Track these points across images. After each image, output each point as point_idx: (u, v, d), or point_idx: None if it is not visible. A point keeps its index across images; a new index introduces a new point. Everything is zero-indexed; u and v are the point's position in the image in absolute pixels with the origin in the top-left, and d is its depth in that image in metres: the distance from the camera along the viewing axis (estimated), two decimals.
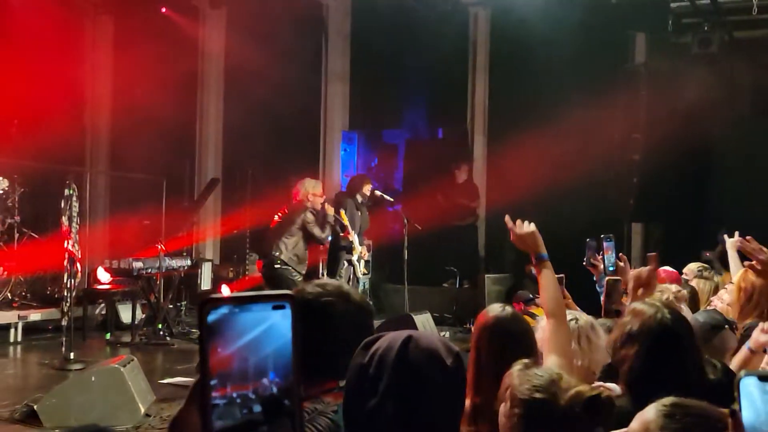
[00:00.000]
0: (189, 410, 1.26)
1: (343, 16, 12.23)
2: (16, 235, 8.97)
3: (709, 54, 9.20)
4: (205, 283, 10.56)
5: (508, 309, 2.58)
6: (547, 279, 2.68)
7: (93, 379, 5.31)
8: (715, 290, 4.64)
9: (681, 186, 9.42)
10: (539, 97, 10.07)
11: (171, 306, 9.53)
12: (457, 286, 10.51)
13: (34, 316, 8.78)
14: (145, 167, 11.01)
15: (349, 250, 8.92)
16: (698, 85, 8.83)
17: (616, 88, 9.64)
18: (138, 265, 8.93)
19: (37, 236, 9.24)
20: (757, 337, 2.82)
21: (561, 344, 2.58)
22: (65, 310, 7.28)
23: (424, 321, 7.52)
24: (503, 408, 1.75)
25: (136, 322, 8.91)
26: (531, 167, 9.42)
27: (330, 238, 8.30)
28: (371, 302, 10.20)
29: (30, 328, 8.72)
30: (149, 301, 9.25)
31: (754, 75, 9.24)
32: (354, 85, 12.21)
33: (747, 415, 0.96)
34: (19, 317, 8.57)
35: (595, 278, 4.21)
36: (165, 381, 6.47)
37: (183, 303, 10.06)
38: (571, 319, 2.97)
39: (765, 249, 3.23)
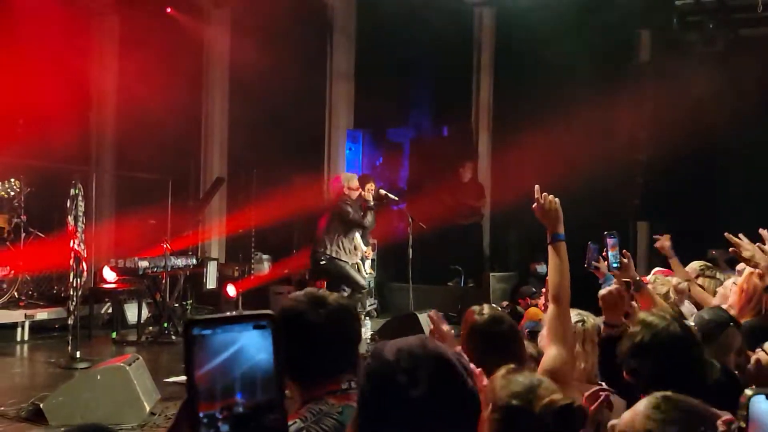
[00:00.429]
0: (179, 427, 1.28)
1: (348, 15, 12.24)
2: (23, 235, 9.00)
3: (715, 52, 9.17)
4: (211, 282, 10.57)
5: (487, 311, 2.58)
6: (558, 261, 2.65)
7: (99, 377, 5.32)
8: None
9: (687, 184, 9.39)
10: (544, 96, 10.06)
11: (176, 305, 9.55)
12: (462, 284, 10.51)
13: (41, 315, 8.82)
14: (151, 167, 11.04)
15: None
16: (703, 83, 8.80)
17: (621, 87, 9.62)
18: (144, 264, 8.96)
19: (43, 236, 9.27)
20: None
21: (561, 331, 2.56)
22: (71, 309, 7.31)
23: (428, 320, 7.51)
24: (485, 412, 1.77)
25: (141, 321, 8.95)
26: (536, 165, 9.39)
27: (372, 222, 8.56)
28: (375, 301, 10.23)
29: (36, 327, 8.77)
30: (155, 300, 9.28)
31: (759, 73, 9.19)
32: (359, 84, 12.21)
33: None
34: (26, 316, 8.62)
35: (600, 281, 4.19)
36: (170, 380, 6.49)
37: (188, 302, 10.08)
38: (578, 321, 2.97)
39: (746, 246, 3.20)
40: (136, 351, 7.76)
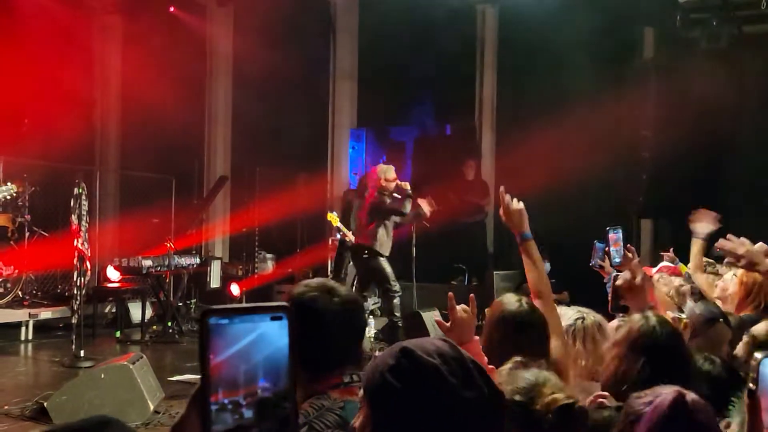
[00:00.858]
0: (190, 415, 1.28)
1: (351, 14, 12.24)
2: (27, 234, 9.01)
3: (719, 49, 9.14)
4: (215, 281, 10.59)
5: (524, 300, 2.60)
6: (531, 259, 2.77)
7: (103, 376, 5.33)
8: None
9: (690, 182, 9.36)
10: (547, 94, 10.05)
11: (180, 304, 9.57)
12: (466, 283, 10.50)
13: (45, 314, 8.83)
14: (154, 166, 11.06)
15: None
16: (707, 81, 8.77)
17: (625, 84, 9.60)
18: (147, 263, 8.98)
19: (47, 235, 9.28)
20: (722, 245, 2.96)
21: (552, 324, 2.61)
22: (75, 308, 7.31)
23: (432, 318, 7.51)
24: None
25: (145, 320, 8.96)
26: (539, 163, 9.39)
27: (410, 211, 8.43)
28: (378, 300, 10.22)
29: (40, 326, 8.79)
30: (159, 299, 9.30)
31: (763, 69, 9.17)
32: (362, 83, 12.22)
33: None
34: (30, 315, 8.64)
35: (605, 279, 4.17)
36: (174, 378, 6.51)
37: (192, 301, 10.10)
38: (578, 318, 2.96)
39: (742, 243, 3.16)
40: (140, 350, 7.78)
